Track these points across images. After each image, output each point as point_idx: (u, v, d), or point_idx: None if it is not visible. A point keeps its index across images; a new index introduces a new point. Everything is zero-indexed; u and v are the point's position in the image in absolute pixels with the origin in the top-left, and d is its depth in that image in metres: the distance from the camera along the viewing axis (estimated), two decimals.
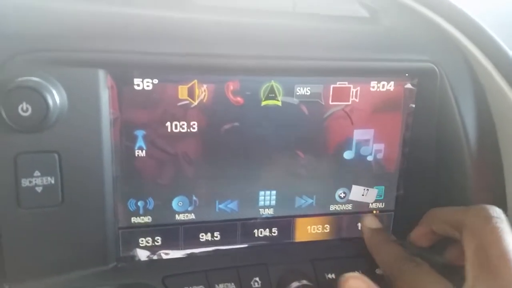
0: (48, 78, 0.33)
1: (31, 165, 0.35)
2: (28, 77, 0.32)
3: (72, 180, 0.36)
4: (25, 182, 0.35)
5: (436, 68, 0.41)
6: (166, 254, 0.43)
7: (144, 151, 0.40)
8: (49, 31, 0.34)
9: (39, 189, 0.35)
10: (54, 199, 0.36)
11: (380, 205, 0.48)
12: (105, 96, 0.36)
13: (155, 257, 0.43)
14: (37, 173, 0.35)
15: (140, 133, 0.40)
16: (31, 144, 0.34)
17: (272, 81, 0.41)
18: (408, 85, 0.44)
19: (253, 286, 0.42)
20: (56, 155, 0.35)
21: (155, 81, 0.38)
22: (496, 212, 0.35)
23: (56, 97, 0.33)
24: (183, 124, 0.40)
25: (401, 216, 0.48)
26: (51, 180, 0.35)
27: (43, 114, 0.32)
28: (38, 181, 0.35)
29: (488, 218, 0.34)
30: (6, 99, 0.31)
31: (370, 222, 0.45)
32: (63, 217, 0.37)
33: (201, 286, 0.40)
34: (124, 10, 0.36)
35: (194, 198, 0.43)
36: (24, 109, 0.31)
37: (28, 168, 0.35)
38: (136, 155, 0.40)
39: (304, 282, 0.41)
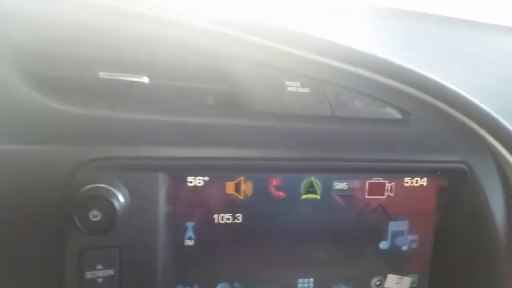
0: (114, 183, 0.37)
1: (94, 260, 0.38)
2: (97, 184, 0.36)
3: (129, 271, 0.39)
4: (88, 275, 0.38)
5: (466, 168, 0.44)
6: None
7: (192, 240, 0.43)
8: (114, 140, 0.38)
9: (100, 280, 0.38)
10: None
11: None
12: (162, 194, 0.40)
13: None
14: (99, 266, 0.38)
15: (190, 224, 0.43)
16: (96, 241, 0.38)
17: (312, 177, 0.44)
18: (440, 182, 0.46)
19: None
20: (117, 250, 0.38)
21: (206, 178, 0.42)
22: None
23: (121, 201, 0.36)
24: (229, 216, 0.43)
25: None
26: (111, 272, 0.39)
27: (111, 219, 0.35)
28: (100, 273, 0.38)
29: None
30: (79, 207, 0.35)
31: None
32: None
33: None
34: (180, 119, 0.40)
35: (236, 285, 0.45)
36: (95, 215, 0.35)
37: (92, 262, 0.38)
38: (185, 245, 0.43)
39: None
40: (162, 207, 0.41)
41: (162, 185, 0.40)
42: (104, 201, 0.35)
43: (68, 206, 0.35)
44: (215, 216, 0.43)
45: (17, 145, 0.36)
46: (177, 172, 0.41)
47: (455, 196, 0.46)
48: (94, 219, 0.35)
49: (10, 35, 0.37)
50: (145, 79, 0.41)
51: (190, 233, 0.43)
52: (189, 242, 0.43)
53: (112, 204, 0.35)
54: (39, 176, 0.36)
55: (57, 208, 0.36)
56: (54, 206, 0.36)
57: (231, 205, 0.43)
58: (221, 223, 0.43)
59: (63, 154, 0.37)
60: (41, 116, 0.36)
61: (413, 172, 0.45)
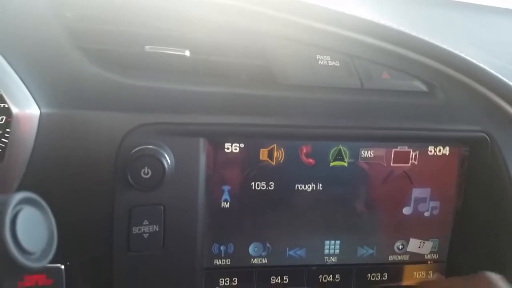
0: (162, 146, 0.41)
1: (141, 216, 0.42)
2: (147, 146, 0.40)
3: (172, 227, 0.43)
4: (135, 230, 0.42)
5: (487, 137, 0.46)
6: None
7: (228, 203, 0.47)
8: (162, 107, 0.42)
9: (146, 236, 0.42)
10: (157, 244, 0.43)
11: (434, 256, 0.52)
12: (203, 159, 0.44)
13: None
14: (145, 222, 0.42)
15: (226, 188, 0.46)
16: (144, 199, 0.42)
17: (340, 145, 0.47)
18: (462, 151, 0.49)
19: None
20: (162, 207, 0.42)
21: (242, 145, 0.45)
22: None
23: (169, 161, 0.40)
24: (263, 182, 0.47)
25: (453, 266, 0.52)
26: (156, 228, 0.42)
27: (160, 176, 0.39)
28: (146, 228, 0.42)
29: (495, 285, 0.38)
30: (132, 165, 0.39)
31: None
32: (162, 259, 0.44)
33: None
34: (219, 89, 0.43)
35: (268, 245, 0.49)
36: (146, 172, 0.39)
37: (139, 218, 0.42)
38: (222, 206, 0.47)
39: None
40: (203, 171, 0.44)
41: (202, 150, 0.44)
42: (154, 160, 0.39)
43: (121, 165, 0.39)
44: (249, 181, 0.47)
45: (77, 109, 0.40)
46: (215, 137, 0.44)
47: (476, 165, 0.49)
48: (145, 176, 0.39)
49: (68, 17, 0.41)
50: (187, 53, 0.44)
51: (226, 196, 0.47)
52: (225, 204, 0.47)
53: (161, 162, 0.39)
54: (95, 139, 0.40)
55: (110, 168, 0.40)
56: (108, 166, 0.40)
57: (264, 171, 0.47)
58: (254, 187, 0.47)
59: (117, 120, 0.40)
60: (98, 86, 0.40)
61: (436, 141, 0.48)
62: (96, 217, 0.41)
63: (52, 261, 0.39)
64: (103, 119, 0.40)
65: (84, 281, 0.42)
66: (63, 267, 0.41)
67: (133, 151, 0.39)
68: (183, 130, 0.42)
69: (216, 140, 0.45)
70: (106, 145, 0.40)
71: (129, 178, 0.39)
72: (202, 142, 0.43)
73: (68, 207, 0.40)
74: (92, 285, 0.43)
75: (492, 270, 0.49)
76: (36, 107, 0.39)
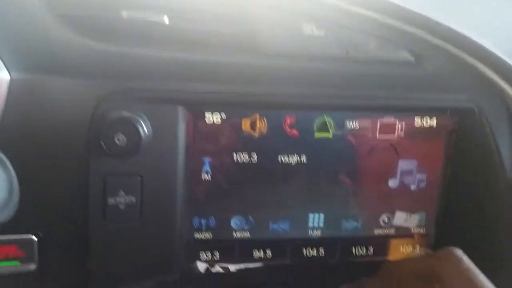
0: (138, 113, 0.39)
1: (117, 186, 0.41)
2: (123, 111, 0.38)
3: (150, 199, 0.42)
4: (111, 200, 0.41)
5: (475, 108, 0.45)
6: (224, 268, 0.48)
7: (209, 175, 0.45)
8: (139, 74, 0.40)
9: (122, 206, 0.41)
10: (134, 215, 0.42)
11: (421, 230, 0.51)
12: (182, 128, 0.42)
13: (214, 270, 0.48)
14: (121, 192, 0.41)
15: (207, 159, 0.45)
16: (120, 167, 0.40)
17: (325, 115, 0.46)
18: (450, 123, 0.48)
19: None
20: (139, 178, 0.41)
21: (223, 114, 0.44)
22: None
23: (145, 128, 0.39)
24: (245, 153, 0.45)
25: (441, 240, 0.52)
26: (133, 199, 0.41)
27: (135, 143, 0.38)
28: (122, 199, 0.41)
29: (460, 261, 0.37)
30: (105, 131, 0.37)
31: None
32: (140, 231, 0.42)
33: None
34: (199, 56, 0.41)
35: (250, 218, 0.48)
36: (120, 139, 0.37)
37: (115, 188, 0.40)
38: (203, 179, 0.45)
39: None
40: (182, 141, 0.43)
41: (181, 119, 0.42)
42: (128, 125, 0.37)
43: (95, 132, 0.38)
44: (231, 152, 0.45)
45: (49, 75, 0.38)
46: (195, 106, 0.43)
47: (464, 137, 0.48)
48: (119, 143, 0.37)
49: None
50: (165, 20, 0.42)
51: (207, 167, 0.45)
52: (206, 176, 0.45)
53: (136, 128, 0.37)
54: (68, 105, 0.38)
55: (83, 135, 0.39)
56: (81, 133, 0.39)
57: (246, 142, 0.45)
58: (236, 159, 0.45)
59: (91, 86, 0.39)
60: (71, 51, 0.39)
61: (423, 111, 0.47)
62: (70, 186, 0.40)
63: (24, 231, 0.38)
64: (76, 85, 0.39)
65: (58, 253, 0.41)
66: (35, 238, 0.39)
67: (107, 116, 0.38)
68: (161, 97, 0.40)
69: (196, 109, 0.43)
70: (80, 111, 0.39)
71: (103, 144, 0.37)
72: (181, 110, 0.42)
73: (40, 175, 0.39)
74: (67, 256, 0.41)
75: (480, 242, 0.49)
76: (6, 71, 0.37)
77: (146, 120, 0.39)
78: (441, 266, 0.37)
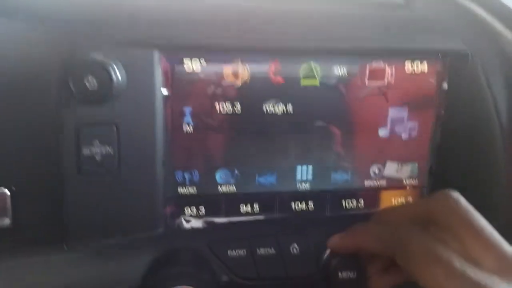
0: (111, 57, 0.37)
1: (92, 136, 0.38)
2: (93, 54, 0.36)
3: (127, 150, 0.40)
4: (86, 151, 0.39)
5: (467, 49, 0.43)
6: (210, 223, 0.47)
7: (191, 126, 0.43)
8: (111, 16, 0.38)
9: (98, 158, 0.39)
10: (111, 167, 0.40)
11: (414, 181, 0.50)
12: (158, 74, 0.40)
13: (199, 225, 0.46)
14: (97, 143, 0.39)
15: (188, 110, 0.43)
16: (93, 116, 0.38)
17: (311, 61, 0.43)
18: (441, 66, 0.45)
19: (292, 252, 0.45)
20: (114, 127, 0.39)
21: (202, 61, 0.42)
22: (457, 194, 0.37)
23: (118, 73, 0.36)
24: (227, 102, 0.43)
25: (434, 192, 0.50)
26: (109, 149, 0.39)
27: (107, 87, 0.36)
28: (98, 150, 0.39)
29: (458, 202, 0.36)
30: (75, 73, 0.35)
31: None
32: (118, 184, 0.41)
33: (243, 250, 0.44)
34: None
35: (236, 171, 0.46)
36: (90, 82, 0.35)
37: (89, 138, 0.38)
38: (184, 130, 0.43)
39: None
40: (159, 88, 0.40)
41: (157, 64, 0.40)
42: (99, 68, 0.35)
43: (65, 76, 0.35)
44: (213, 102, 0.43)
45: (14, 18, 0.36)
46: (172, 51, 0.40)
47: (456, 81, 0.45)
48: (90, 86, 0.35)
49: None
50: None
51: (188, 118, 0.43)
52: (188, 128, 0.43)
53: (107, 71, 0.35)
54: (37, 49, 0.36)
55: (54, 80, 0.37)
56: (51, 78, 0.37)
57: (229, 90, 0.43)
58: (219, 110, 0.43)
59: (61, 28, 0.37)
60: None
61: (413, 55, 0.44)
62: (43, 137, 0.38)
63: None
64: (44, 27, 0.36)
65: (33, 208, 0.39)
66: (7, 191, 0.38)
67: (77, 59, 0.35)
68: (134, 41, 0.38)
69: (173, 55, 0.41)
70: (51, 55, 0.36)
71: (72, 88, 0.35)
72: (156, 55, 0.39)
73: (10, 127, 0.37)
74: (42, 211, 0.40)
75: (475, 193, 0.47)
76: None
77: (119, 64, 0.37)
78: (437, 209, 0.36)
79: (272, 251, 0.44)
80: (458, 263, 0.31)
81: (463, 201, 0.35)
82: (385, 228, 0.38)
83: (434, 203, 0.36)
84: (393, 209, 0.46)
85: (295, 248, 0.45)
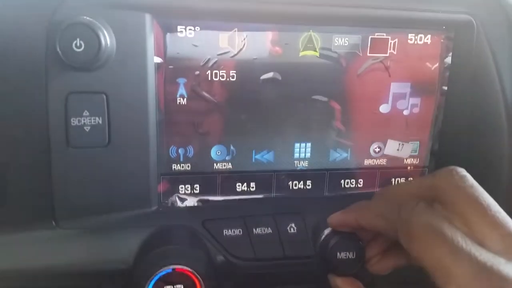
0: (99, 19, 0.35)
1: (80, 105, 0.36)
2: (81, 16, 0.33)
3: (118, 121, 0.38)
4: (74, 121, 0.37)
5: (473, 20, 0.41)
6: (205, 201, 0.45)
7: (185, 99, 0.41)
8: None
9: (87, 129, 0.37)
10: (101, 139, 0.38)
11: (415, 161, 0.48)
12: (150, 41, 0.38)
13: (194, 203, 0.44)
14: (86, 113, 0.37)
15: (182, 81, 0.41)
16: (81, 84, 0.36)
17: (311, 31, 0.42)
18: (445, 38, 0.44)
19: (289, 231, 0.43)
20: (104, 96, 0.37)
21: (197, 28, 0.40)
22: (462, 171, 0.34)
23: (107, 37, 0.34)
24: (224, 74, 0.41)
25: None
26: (98, 120, 0.37)
27: (95, 51, 0.33)
28: (87, 120, 0.37)
29: (463, 178, 0.33)
30: (62, 35, 0.33)
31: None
32: (109, 158, 0.39)
33: (239, 229, 0.42)
34: None
35: (232, 148, 0.44)
36: (78, 45, 0.33)
37: (78, 107, 0.36)
38: (178, 103, 0.41)
39: None
40: (151, 57, 0.38)
41: (149, 30, 0.38)
42: (87, 31, 0.33)
43: (51, 39, 0.33)
44: (208, 72, 0.41)
45: None
46: (165, 16, 0.38)
47: (461, 54, 0.44)
48: (77, 50, 0.33)
49: None
50: None
51: (182, 90, 0.41)
52: (181, 100, 0.42)
53: (95, 34, 0.33)
54: (23, 12, 0.34)
55: (41, 45, 0.35)
56: (38, 43, 0.35)
57: (224, 61, 0.41)
58: (215, 81, 0.42)
59: None
60: None
61: (417, 25, 0.43)
62: (29, 105, 0.36)
63: None
64: None
65: (20, 181, 0.37)
66: None
67: (64, 22, 0.33)
68: (124, 2, 0.36)
69: (166, 21, 0.39)
70: (36, 17, 0.34)
71: (59, 50, 0.33)
72: (148, 19, 0.37)
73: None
74: (30, 186, 0.38)
75: (479, 174, 0.45)
76: None
77: (108, 28, 0.35)
78: (442, 185, 0.34)
79: (269, 230, 0.42)
80: (464, 242, 0.29)
81: (469, 178, 0.33)
82: (388, 205, 0.36)
83: (439, 179, 0.34)
84: (397, 186, 0.44)
85: (292, 227, 0.43)
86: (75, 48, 0.33)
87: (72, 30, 0.33)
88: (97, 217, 0.40)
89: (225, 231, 0.42)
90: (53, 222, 0.39)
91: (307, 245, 0.43)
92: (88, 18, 0.34)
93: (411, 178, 0.49)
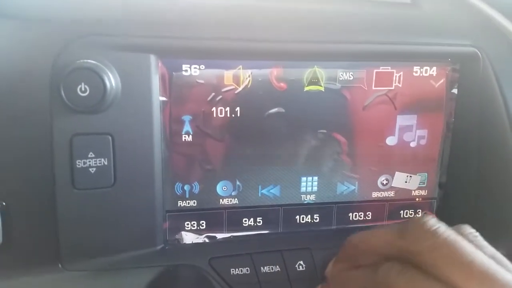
0: (104, 62, 0.35)
1: (85, 147, 0.36)
2: (86, 60, 0.34)
3: (124, 162, 0.38)
4: (79, 163, 0.36)
5: (478, 52, 0.41)
6: (211, 237, 0.44)
7: (190, 136, 0.41)
8: (104, 17, 0.35)
9: (92, 170, 0.37)
10: (106, 180, 0.37)
11: (423, 193, 0.47)
12: (155, 81, 0.38)
13: (200, 240, 0.44)
14: (91, 154, 0.36)
15: (187, 118, 0.41)
16: (86, 126, 0.36)
17: (315, 66, 0.42)
18: (451, 70, 0.43)
19: (298, 269, 0.42)
20: (109, 137, 0.37)
21: (202, 67, 0.40)
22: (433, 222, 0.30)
23: (112, 80, 0.34)
24: (229, 110, 0.41)
25: (444, 204, 0.48)
26: (104, 161, 0.37)
27: (100, 95, 0.33)
28: (92, 162, 0.37)
29: (434, 233, 0.29)
30: (66, 80, 0.33)
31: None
32: (115, 198, 0.38)
33: (247, 268, 0.41)
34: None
35: (238, 183, 0.44)
36: (83, 89, 0.33)
37: (83, 149, 0.36)
38: (183, 140, 0.41)
39: None
40: (156, 96, 0.38)
41: (154, 70, 0.38)
42: (92, 75, 0.33)
43: (56, 83, 0.33)
44: (213, 109, 0.41)
45: (7, 19, 0.34)
46: (169, 55, 0.38)
47: (467, 86, 0.44)
48: (83, 94, 0.33)
49: None
50: None
51: (187, 127, 0.41)
52: (187, 138, 0.41)
53: (101, 79, 0.33)
54: (28, 54, 0.34)
55: (45, 88, 0.35)
56: (42, 86, 0.35)
57: (230, 97, 0.41)
58: (220, 117, 0.41)
59: (52, 31, 0.35)
60: None
61: (422, 58, 0.42)
62: (34, 147, 0.36)
63: None
64: (34, 30, 0.34)
65: (25, 223, 0.37)
66: None
67: (69, 65, 0.33)
68: (129, 44, 0.36)
69: (171, 60, 0.39)
70: (40, 60, 0.34)
71: (63, 95, 0.33)
72: (153, 60, 0.37)
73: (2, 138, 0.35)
74: (34, 227, 0.37)
75: (487, 205, 0.44)
76: None
77: (113, 70, 0.35)
78: (415, 249, 0.29)
79: (277, 269, 0.42)
80: None
81: (442, 230, 0.29)
82: (364, 273, 0.34)
83: (410, 242, 0.31)
84: (366, 244, 0.35)
85: (301, 265, 0.43)
86: (80, 93, 0.33)
87: (76, 75, 0.33)
88: (103, 258, 0.40)
89: (232, 270, 0.41)
90: (60, 265, 0.38)
91: (316, 283, 0.42)
92: (92, 61, 0.34)
93: (420, 210, 0.48)
